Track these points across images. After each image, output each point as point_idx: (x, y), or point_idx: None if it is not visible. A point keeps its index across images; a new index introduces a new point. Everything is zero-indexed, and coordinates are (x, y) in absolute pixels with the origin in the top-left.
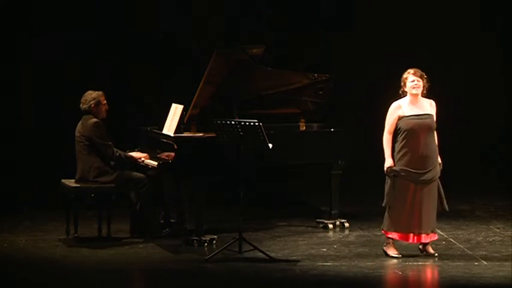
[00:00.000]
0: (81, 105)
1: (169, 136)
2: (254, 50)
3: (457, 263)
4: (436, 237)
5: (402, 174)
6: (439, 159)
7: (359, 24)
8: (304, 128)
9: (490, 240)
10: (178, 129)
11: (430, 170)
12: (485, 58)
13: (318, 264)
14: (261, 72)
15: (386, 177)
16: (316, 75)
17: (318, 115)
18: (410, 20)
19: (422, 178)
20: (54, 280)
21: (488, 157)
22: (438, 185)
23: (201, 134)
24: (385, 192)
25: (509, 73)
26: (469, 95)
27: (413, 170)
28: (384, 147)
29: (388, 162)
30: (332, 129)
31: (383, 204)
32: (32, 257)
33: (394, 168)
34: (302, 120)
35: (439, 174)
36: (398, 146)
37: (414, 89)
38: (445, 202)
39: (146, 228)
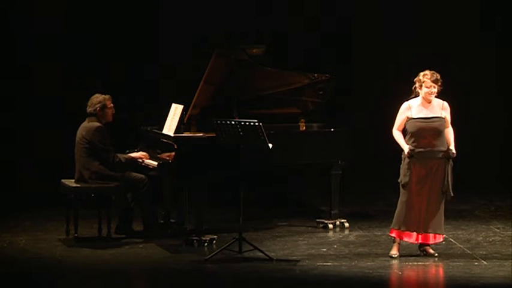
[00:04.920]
0: (87, 107)
1: (169, 136)
2: (254, 50)
3: (457, 263)
4: (441, 239)
5: (421, 151)
6: (453, 149)
7: (359, 24)
8: (304, 128)
9: (490, 240)
10: (178, 129)
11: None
12: (485, 58)
13: (318, 264)
14: (261, 72)
15: (403, 167)
16: (316, 75)
17: (318, 115)
18: (410, 20)
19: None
20: (54, 280)
21: (488, 157)
22: (447, 172)
23: (201, 134)
24: (401, 174)
25: (509, 73)
26: (468, 95)
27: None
28: (397, 139)
29: (407, 147)
30: (332, 129)
31: (399, 181)
32: (32, 257)
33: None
34: (302, 120)
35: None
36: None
37: (430, 96)
38: (450, 189)
39: (145, 228)
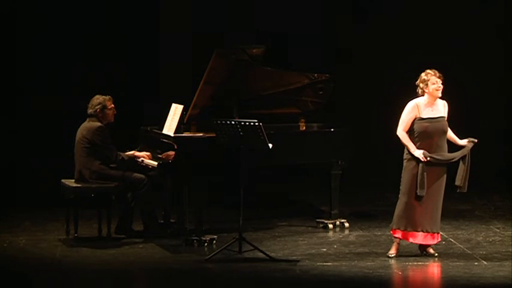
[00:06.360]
0: (87, 109)
1: (169, 136)
2: (254, 50)
3: (457, 263)
4: (440, 238)
5: (436, 158)
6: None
7: (359, 24)
8: (304, 128)
9: (490, 240)
10: (178, 129)
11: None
12: (485, 58)
13: (318, 264)
14: (261, 72)
15: (405, 173)
16: (316, 75)
17: (318, 115)
18: (410, 21)
19: (448, 158)
20: (54, 280)
21: (488, 157)
22: (468, 162)
23: (201, 134)
24: (418, 182)
25: (509, 73)
26: (469, 95)
27: (438, 157)
28: (406, 143)
29: (419, 151)
30: (332, 129)
31: (418, 194)
32: (32, 257)
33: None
34: (302, 120)
35: (461, 155)
36: None
37: (438, 92)
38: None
39: (145, 228)
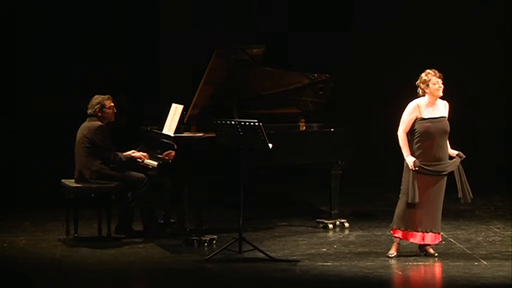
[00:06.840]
0: (87, 109)
1: (169, 136)
2: (254, 50)
3: (457, 263)
4: (440, 238)
5: (425, 168)
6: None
7: (359, 25)
8: (304, 128)
9: (490, 240)
10: (178, 129)
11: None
12: (485, 57)
13: (318, 264)
14: (261, 72)
15: (406, 173)
16: (316, 75)
17: (318, 115)
18: (410, 21)
19: (438, 170)
20: (54, 280)
21: (488, 157)
22: (461, 174)
23: (201, 134)
24: (409, 189)
25: (509, 73)
26: (469, 95)
27: (428, 168)
28: (402, 146)
29: (411, 158)
30: (332, 129)
31: (409, 201)
32: (32, 257)
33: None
34: (302, 120)
35: (450, 169)
36: (412, 147)
37: (439, 91)
38: (467, 192)
39: (145, 228)
